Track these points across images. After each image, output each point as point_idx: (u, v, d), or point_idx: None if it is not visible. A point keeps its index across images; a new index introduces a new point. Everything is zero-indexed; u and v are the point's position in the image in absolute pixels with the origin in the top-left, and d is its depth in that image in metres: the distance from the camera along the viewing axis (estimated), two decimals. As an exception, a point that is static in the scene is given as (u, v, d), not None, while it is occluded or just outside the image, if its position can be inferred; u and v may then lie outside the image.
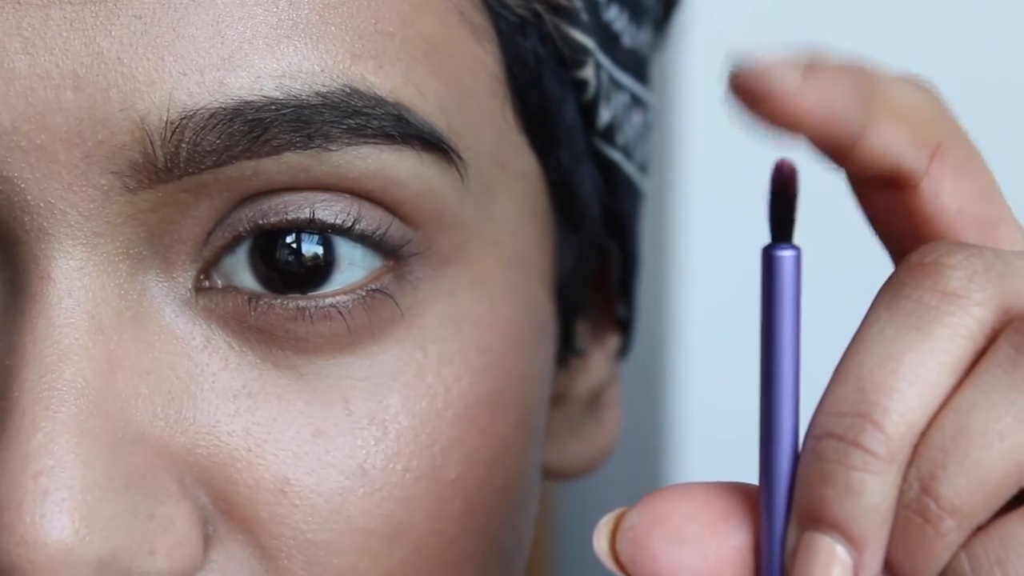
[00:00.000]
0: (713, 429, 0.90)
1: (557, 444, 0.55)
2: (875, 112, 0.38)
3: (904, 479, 0.37)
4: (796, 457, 0.39)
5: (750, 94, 0.37)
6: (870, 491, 0.37)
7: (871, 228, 0.42)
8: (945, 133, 0.39)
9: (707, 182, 0.82)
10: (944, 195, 0.39)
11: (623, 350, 0.58)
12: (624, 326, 0.58)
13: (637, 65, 0.53)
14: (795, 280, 0.38)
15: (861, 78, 0.38)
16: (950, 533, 0.37)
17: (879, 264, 0.42)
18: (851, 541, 0.37)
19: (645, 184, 0.56)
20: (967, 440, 0.37)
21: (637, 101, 0.53)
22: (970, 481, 0.37)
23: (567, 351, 0.53)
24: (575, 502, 1.01)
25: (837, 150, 0.38)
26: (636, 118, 0.53)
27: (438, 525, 0.45)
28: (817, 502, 0.37)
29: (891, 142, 0.38)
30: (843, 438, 0.37)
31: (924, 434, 0.37)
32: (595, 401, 0.57)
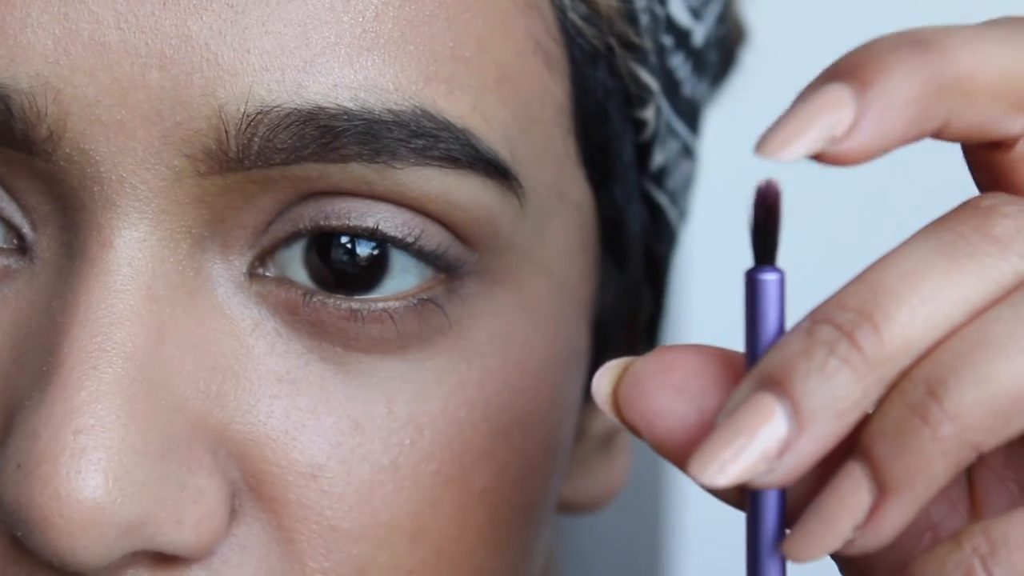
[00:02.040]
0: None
1: (569, 478, 0.55)
2: (958, 99, 0.37)
3: (909, 380, 0.36)
4: (783, 494, 0.38)
5: (806, 153, 0.36)
6: (839, 383, 0.36)
7: (975, 183, 0.40)
8: None
9: (713, 210, 0.83)
10: None
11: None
12: None
13: (692, 115, 0.54)
14: (779, 303, 0.38)
15: (931, 65, 0.37)
16: (946, 440, 0.35)
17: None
18: (797, 416, 0.36)
19: (681, 232, 0.57)
20: (985, 350, 0.36)
21: (688, 150, 0.54)
22: (979, 392, 0.36)
23: None
24: (572, 531, 1.01)
25: (924, 137, 0.37)
26: (685, 167, 0.54)
27: (461, 532, 0.45)
28: (784, 369, 0.36)
29: (983, 119, 0.38)
30: (839, 327, 0.36)
31: (943, 342, 0.36)
32: (608, 441, 0.57)
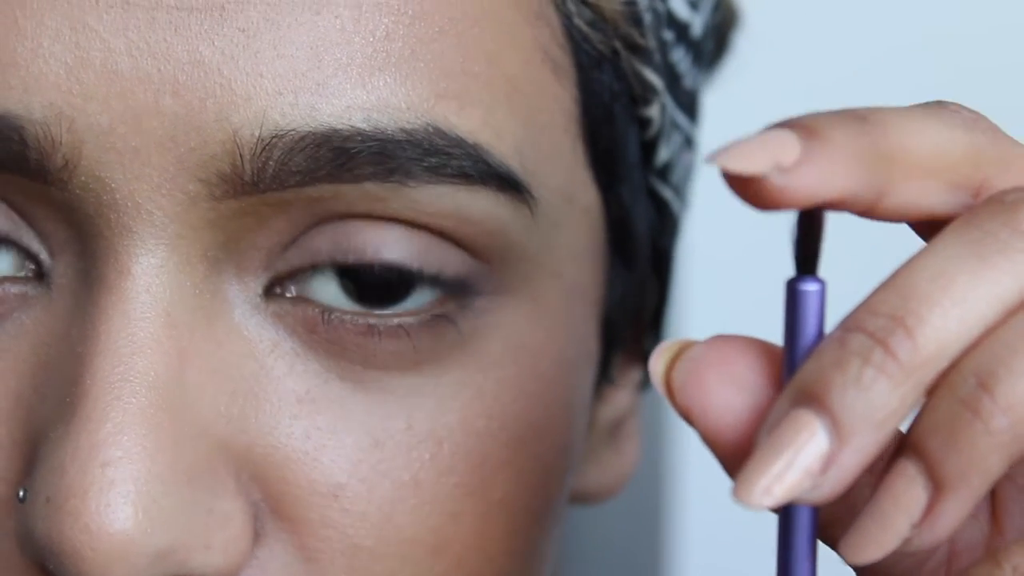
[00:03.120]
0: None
1: (579, 470, 0.55)
2: (893, 172, 0.37)
3: (958, 373, 0.36)
4: (816, 513, 0.38)
5: (738, 180, 0.36)
6: (877, 392, 0.35)
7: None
8: (989, 164, 0.38)
9: (713, 210, 0.83)
10: None
11: (646, 383, 0.59)
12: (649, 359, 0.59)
13: (692, 106, 0.54)
14: (819, 314, 0.38)
15: (870, 135, 0.37)
16: (1000, 433, 0.35)
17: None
18: (837, 431, 0.35)
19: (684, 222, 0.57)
20: None
21: (689, 142, 0.55)
22: None
23: (602, 380, 0.54)
24: (572, 531, 1.01)
25: (857, 211, 0.38)
26: (687, 158, 0.55)
27: (481, 542, 0.46)
28: (820, 383, 0.36)
29: (919, 196, 0.38)
30: (872, 335, 0.36)
31: (992, 332, 0.36)
32: (616, 430, 0.58)
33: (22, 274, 0.44)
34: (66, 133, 0.42)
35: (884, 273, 0.38)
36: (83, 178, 0.42)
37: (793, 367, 0.38)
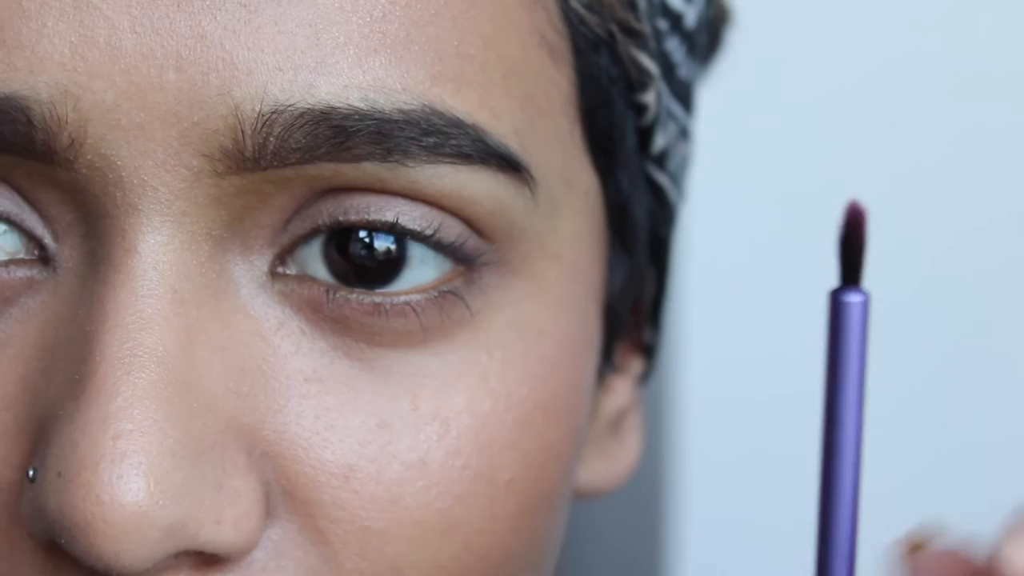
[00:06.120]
0: (713, 443, 0.91)
1: (583, 462, 0.56)
2: None
3: None
4: (856, 502, 0.38)
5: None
6: None
7: None
8: None
9: (713, 210, 0.84)
10: None
11: (645, 375, 0.60)
12: (648, 351, 0.59)
13: (687, 97, 0.55)
14: (862, 326, 0.38)
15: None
16: None
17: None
18: None
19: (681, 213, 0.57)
20: None
21: (684, 132, 0.55)
22: None
23: (605, 368, 0.55)
24: (574, 506, 1.01)
25: None
26: (683, 148, 0.55)
27: (490, 524, 0.46)
28: None
29: None
30: None
31: None
32: (618, 423, 0.58)
33: (27, 258, 0.44)
34: (72, 112, 0.42)
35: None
36: (89, 156, 0.42)
37: (834, 378, 0.38)
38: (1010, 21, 0.96)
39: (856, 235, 0.38)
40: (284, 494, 0.44)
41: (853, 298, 0.38)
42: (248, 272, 0.44)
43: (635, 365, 0.59)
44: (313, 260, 0.45)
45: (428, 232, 0.45)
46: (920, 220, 0.97)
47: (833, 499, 0.39)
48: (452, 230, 0.45)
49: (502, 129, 0.45)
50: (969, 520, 1.04)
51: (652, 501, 0.96)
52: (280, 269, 0.45)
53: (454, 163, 0.44)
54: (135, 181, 0.42)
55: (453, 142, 0.44)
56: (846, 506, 0.39)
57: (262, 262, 0.45)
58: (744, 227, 0.82)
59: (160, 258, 0.43)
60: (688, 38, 0.53)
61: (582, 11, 0.48)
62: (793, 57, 0.95)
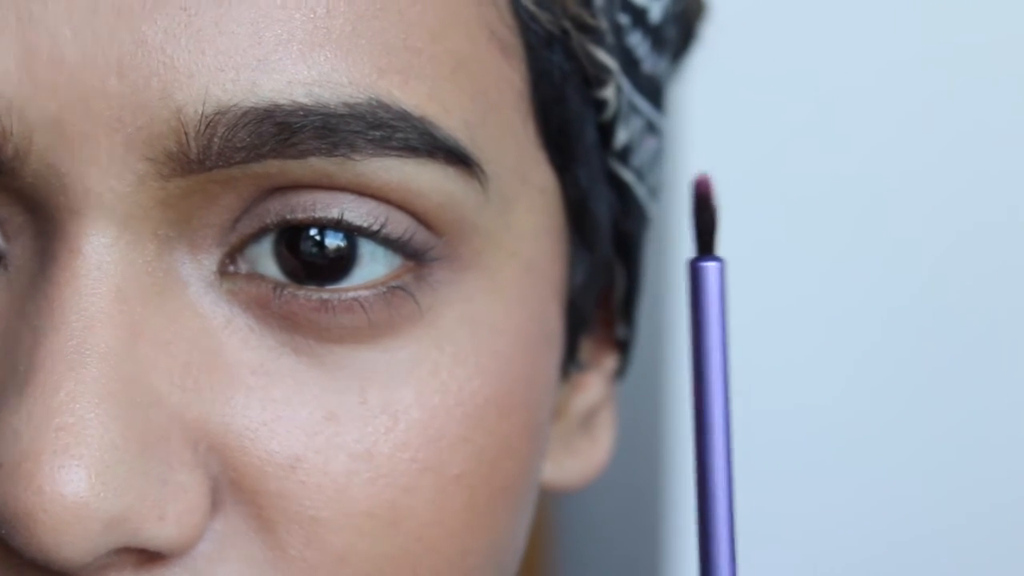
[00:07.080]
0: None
1: (552, 458, 0.56)
2: None
3: None
4: (729, 455, 0.40)
5: None
6: None
7: None
8: None
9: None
10: None
11: (620, 371, 0.60)
12: (623, 347, 0.59)
13: (654, 92, 0.55)
14: (720, 290, 0.40)
15: None
16: None
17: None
18: None
19: (653, 209, 0.57)
20: None
21: (652, 127, 0.55)
22: None
23: (570, 365, 0.55)
24: (573, 507, 1.01)
25: None
26: (650, 143, 0.55)
27: (439, 517, 0.46)
28: None
29: None
30: None
31: None
32: (590, 419, 0.58)
33: None
34: (17, 123, 0.42)
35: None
36: (34, 166, 0.43)
37: (697, 341, 0.41)
38: (1011, 21, 0.96)
39: (706, 205, 0.40)
40: (231, 484, 0.44)
41: (708, 264, 0.41)
42: (196, 271, 0.45)
43: (608, 361, 0.59)
44: (264, 258, 0.45)
45: (375, 227, 0.45)
46: (920, 220, 0.96)
47: (704, 455, 0.42)
48: (399, 224, 0.45)
49: (451, 122, 0.45)
50: (970, 520, 1.04)
51: (652, 501, 0.95)
52: (231, 268, 0.45)
53: (401, 156, 0.44)
54: (79, 188, 0.43)
55: (400, 135, 0.44)
56: (719, 458, 0.42)
57: (211, 261, 0.45)
58: (744, 228, 0.82)
59: (104, 258, 0.43)
60: (653, 32, 0.53)
61: (533, 8, 0.48)
62: (793, 57, 0.94)
